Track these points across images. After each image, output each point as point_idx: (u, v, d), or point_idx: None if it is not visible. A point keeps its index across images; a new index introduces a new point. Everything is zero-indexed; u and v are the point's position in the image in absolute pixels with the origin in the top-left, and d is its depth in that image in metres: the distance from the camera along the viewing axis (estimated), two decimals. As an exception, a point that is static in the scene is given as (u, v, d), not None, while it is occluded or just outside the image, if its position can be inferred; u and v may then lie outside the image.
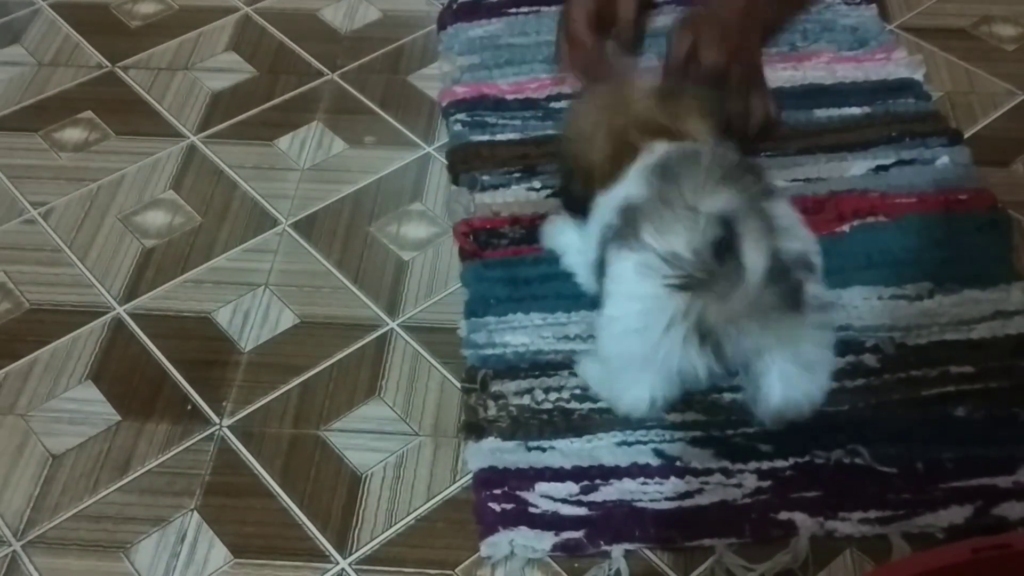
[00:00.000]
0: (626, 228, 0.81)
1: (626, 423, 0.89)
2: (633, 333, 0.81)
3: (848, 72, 1.19)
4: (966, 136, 1.13)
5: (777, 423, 0.86)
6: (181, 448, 0.90)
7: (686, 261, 0.76)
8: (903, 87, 1.17)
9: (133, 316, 1.00)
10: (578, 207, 0.92)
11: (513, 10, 1.28)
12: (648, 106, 0.90)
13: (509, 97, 1.17)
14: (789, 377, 0.83)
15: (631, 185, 0.84)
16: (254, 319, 0.99)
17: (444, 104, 1.18)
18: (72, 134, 1.18)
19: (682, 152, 0.84)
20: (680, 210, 0.78)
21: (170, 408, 0.93)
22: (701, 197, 0.78)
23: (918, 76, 1.19)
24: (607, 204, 0.86)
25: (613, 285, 0.83)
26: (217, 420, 0.92)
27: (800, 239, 0.80)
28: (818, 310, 0.81)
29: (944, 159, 1.09)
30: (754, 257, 0.75)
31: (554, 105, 1.16)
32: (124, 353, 0.97)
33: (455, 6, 1.30)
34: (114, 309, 1.01)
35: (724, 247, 0.75)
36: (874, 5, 1.28)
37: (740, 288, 0.75)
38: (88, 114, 1.20)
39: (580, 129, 0.92)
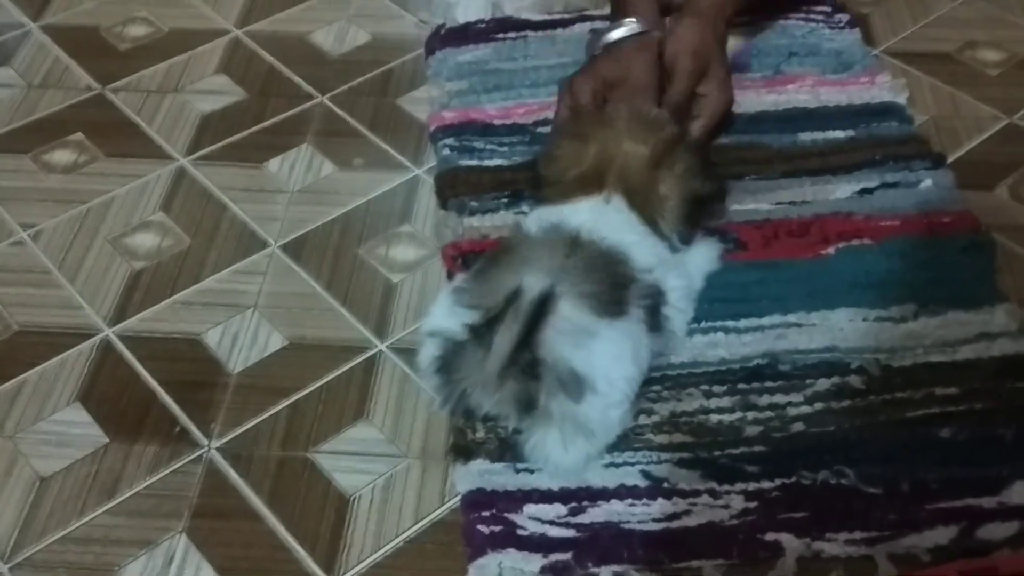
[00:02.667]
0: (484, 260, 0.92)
1: (614, 444, 0.89)
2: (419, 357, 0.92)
3: (832, 96, 1.20)
4: (951, 160, 1.14)
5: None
6: (169, 470, 0.90)
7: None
8: (887, 111, 1.18)
9: (122, 338, 1.00)
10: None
11: (500, 36, 1.29)
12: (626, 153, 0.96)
13: (496, 122, 1.18)
14: (537, 451, 0.87)
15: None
16: (243, 341, 1.00)
17: (432, 129, 1.19)
18: (62, 156, 1.18)
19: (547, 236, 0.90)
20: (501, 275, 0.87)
21: (158, 430, 0.93)
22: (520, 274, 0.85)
23: (902, 100, 1.20)
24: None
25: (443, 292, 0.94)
26: (205, 442, 0.92)
27: (590, 359, 0.84)
28: (571, 422, 0.85)
29: (928, 182, 1.10)
30: (499, 347, 0.82)
31: (541, 130, 1.16)
32: (112, 375, 0.97)
33: (443, 31, 1.31)
34: (102, 331, 1.01)
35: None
36: (858, 29, 1.29)
37: (487, 364, 0.83)
38: (78, 136, 1.20)
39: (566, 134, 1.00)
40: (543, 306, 0.83)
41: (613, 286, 0.87)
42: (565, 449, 0.86)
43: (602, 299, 0.86)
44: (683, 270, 0.97)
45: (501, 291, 0.85)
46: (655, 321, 0.90)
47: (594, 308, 0.85)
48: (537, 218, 0.94)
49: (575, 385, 0.83)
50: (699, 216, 0.99)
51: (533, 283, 0.84)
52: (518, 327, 0.82)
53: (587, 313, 0.84)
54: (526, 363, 0.83)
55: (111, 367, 0.98)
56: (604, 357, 0.85)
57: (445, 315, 0.88)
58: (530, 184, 1.04)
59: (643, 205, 0.95)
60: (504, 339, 0.82)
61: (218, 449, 0.92)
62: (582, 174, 0.96)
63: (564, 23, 1.31)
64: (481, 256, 0.96)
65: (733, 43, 1.22)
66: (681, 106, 1.07)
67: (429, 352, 0.89)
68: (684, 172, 0.97)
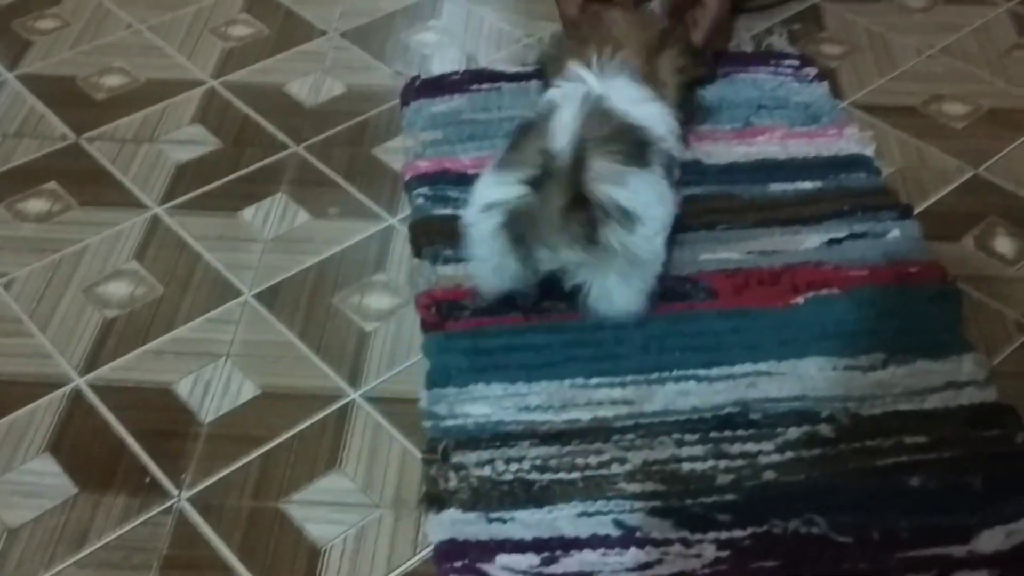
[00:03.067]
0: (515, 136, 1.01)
1: (586, 494, 0.89)
2: (476, 236, 0.98)
3: (801, 148, 1.22)
4: (917, 211, 1.16)
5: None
6: (139, 521, 0.89)
7: (518, 180, 0.93)
8: (855, 163, 1.20)
9: (93, 387, 1.00)
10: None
11: (475, 87, 1.31)
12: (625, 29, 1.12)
13: (471, 172, 1.19)
14: (602, 296, 0.98)
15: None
16: (215, 390, 0.99)
17: (407, 178, 1.19)
18: (36, 205, 1.18)
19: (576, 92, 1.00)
20: (533, 143, 0.95)
21: (128, 480, 0.92)
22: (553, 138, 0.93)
23: (869, 152, 1.22)
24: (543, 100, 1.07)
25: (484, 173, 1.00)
26: (176, 492, 0.92)
27: (633, 195, 0.94)
28: (629, 262, 0.96)
29: (895, 233, 1.11)
30: (554, 192, 0.92)
31: (515, 178, 1.18)
32: (83, 425, 0.97)
33: (418, 83, 1.32)
34: (74, 380, 1.00)
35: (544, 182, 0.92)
36: (826, 83, 1.31)
37: (547, 213, 0.92)
38: (52, 185, 1.20)
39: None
40: (580, 159, 0.92)
41: (636, 144, 0.97)
42: (626, 285, 0.98)
43: (629, 153, 0.95)
44: None
45: (538, 155, 0.93)
46: (671, 181, 1.03)
47: (623, 160, 0.95)
48: (554, 94, 1.04)
49: (626, 217, 0.93)
50: (692, 102, 1.14)
51: (565, 143, 0.92)
52: (565, 173, 0.91)
53: (619, 163, 0.94)
54: (581, 203, 0.92)
55: (81, 417, 0.97)
56: (643, 194, 0.95)
57: (493, 188, 0.95)
58: (542, 83, 1.17)
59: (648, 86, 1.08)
60: (557, 184, 0.91)
61: (188, 500, 0.91)
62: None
63: (538, 75, 1.33)
64: (513, 130, 1.04)
65: None
66: (680, 6, 1.22)
67: (489, 224, 0.95)
68: (678, 61, 1.13)
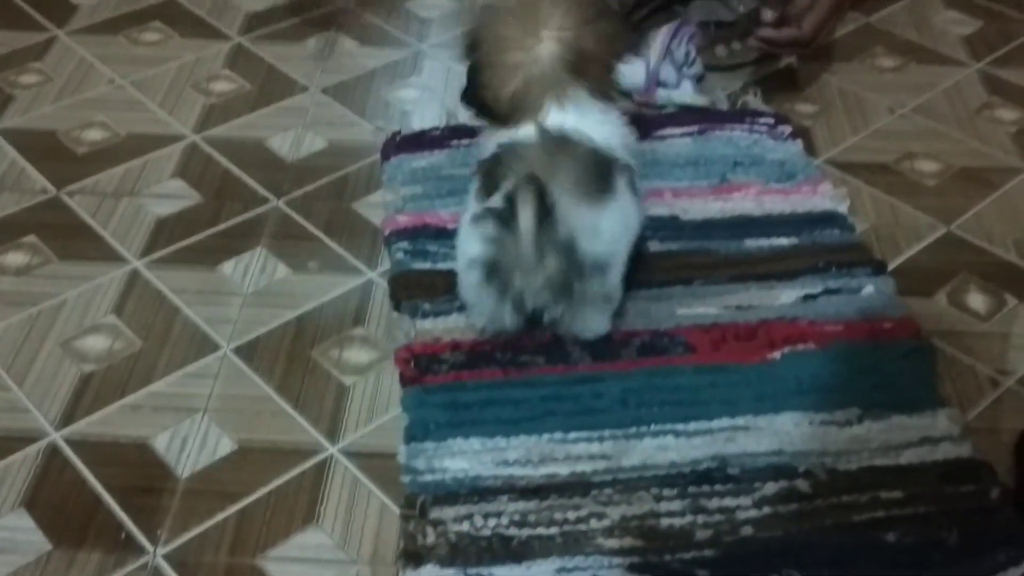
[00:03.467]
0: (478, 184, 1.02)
1: (565, 549, 0.89)
2: (466, 287, 1.04)
3: (776, 204, 1.23)
4: (891, 267, 1.17)
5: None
6: (113, 578, 0.89)
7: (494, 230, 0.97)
8: (829, 219, 1.22)
9: (69, 442, 0.99)
10: (477, 107, 1.10)
11: (454, 142, 1.32)
12: (557, 53, 1.04)
13: (450, 227, 1.19)
14: (576, 322, 1.04)
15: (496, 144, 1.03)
16: (192, 445, 0.99)
17: (387, 233, 1.20)
18: (14, 259, 1.18)
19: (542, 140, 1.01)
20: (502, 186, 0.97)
21: (103, 536, 0.91)
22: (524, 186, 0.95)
23: (843, 209, 1.24)
24: (487, 147, 1.05)
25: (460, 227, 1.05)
26: (151, 549, 0.91)
27: (603, 242, 0.99)
28: (600, 298, 1.04)
29: (869, 289, 1.13)
30: (525, 230, 0.95)
31: (494, 234, 1.19)
32: (58, 480, 0.96)
33: (399, 138, 1.34)
34: (49, 435, 1.00)
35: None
36: (800, 140, 1.34)
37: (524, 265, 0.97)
38: (31, 239, 1.20)
39: (491, 45, 1.06)
40: (543, 197, 0.94)
41: (598, 172, 1.00)
42: (599, 313, 1.05)
43: (592, 186, 0.98)
44: None
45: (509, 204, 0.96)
46: (635, 188, 1.05)
47: (589, 196, 0.98)
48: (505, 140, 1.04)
49: (598, 268, 1.00)
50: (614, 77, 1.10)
51: (527, 179, 0.95)
52: (530, 210, 0.94)
53: (585, 204, 0.97)
54: (555, 244, 0.96)
55: (57, 472, 0.97)
56: (611, 235, 1.00)
57: (474, 244, 1.00)
58: (479, 110, 1.11)
59: (592, 86, 1.06)
60: (525, 221, 0.94)
61: (164, 556, 0.90)
62: (516, 94, 1.04)
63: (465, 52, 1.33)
64: (479, 172, 1.05)
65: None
66: None
67: (474, 278, 1.01)
68: (607, 32, 1.07)
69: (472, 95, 1.11)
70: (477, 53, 1.07)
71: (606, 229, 0.99)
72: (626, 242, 1.03)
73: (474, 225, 1.00)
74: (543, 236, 0.95)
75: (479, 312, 1.05)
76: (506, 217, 0.95)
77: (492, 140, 1.06)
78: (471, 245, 1.00)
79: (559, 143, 1.00)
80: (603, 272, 1.00)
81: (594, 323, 1.06)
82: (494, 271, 0.99)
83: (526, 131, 1.03)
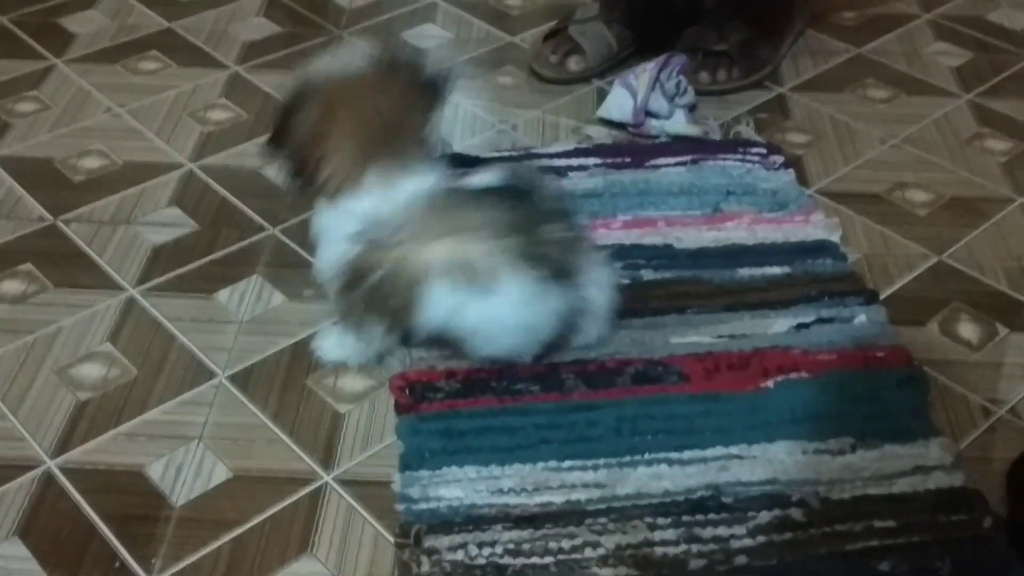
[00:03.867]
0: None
1: (559, 578, 0.89)
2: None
3: (769, 233, 1.24)
4: (883, 296, 1.18)
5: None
6: (107, 607, 0.89)
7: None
8: (821, 248, 1.23)
9: (64, 470, 0.99)
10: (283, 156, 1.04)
11: (449, 173, 1.33)
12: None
13: (446, 254, 1.20)
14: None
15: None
16: (187, 473, 0.99)
17: (382, 260, 1.21)
18: (10, 286, 1.18)
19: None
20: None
21: (98, 565, 0.91)
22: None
23: (835, 238, 1.24)
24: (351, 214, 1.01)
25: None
26: (146, 577, 0.91)
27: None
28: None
29: (862, 318, 1.13)
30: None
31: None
32: (53, 508, 0.96)
33: (394, 166, 1.34)
34: (44, 463, 1.00)
35: None
36: (792, 170, 1.35)
37: None
38: (27, 266, 1.21)
39: (311, 115, 1.00)
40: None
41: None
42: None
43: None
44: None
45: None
46: None
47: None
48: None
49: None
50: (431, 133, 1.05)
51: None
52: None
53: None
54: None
55: (52, 500, 0.96)
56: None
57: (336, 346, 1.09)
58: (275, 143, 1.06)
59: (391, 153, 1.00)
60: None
61: (158, 584, 0.90)
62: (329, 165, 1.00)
63: (511, 160, 1.35)
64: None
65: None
66: None
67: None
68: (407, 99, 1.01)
69: (280, 142, 1.04)
70: (301, 106, 1.01)
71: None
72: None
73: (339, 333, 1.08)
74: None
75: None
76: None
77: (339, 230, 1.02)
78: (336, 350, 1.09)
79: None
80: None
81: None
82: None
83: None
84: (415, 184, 1.01)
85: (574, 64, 1.52)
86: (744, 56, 1.50)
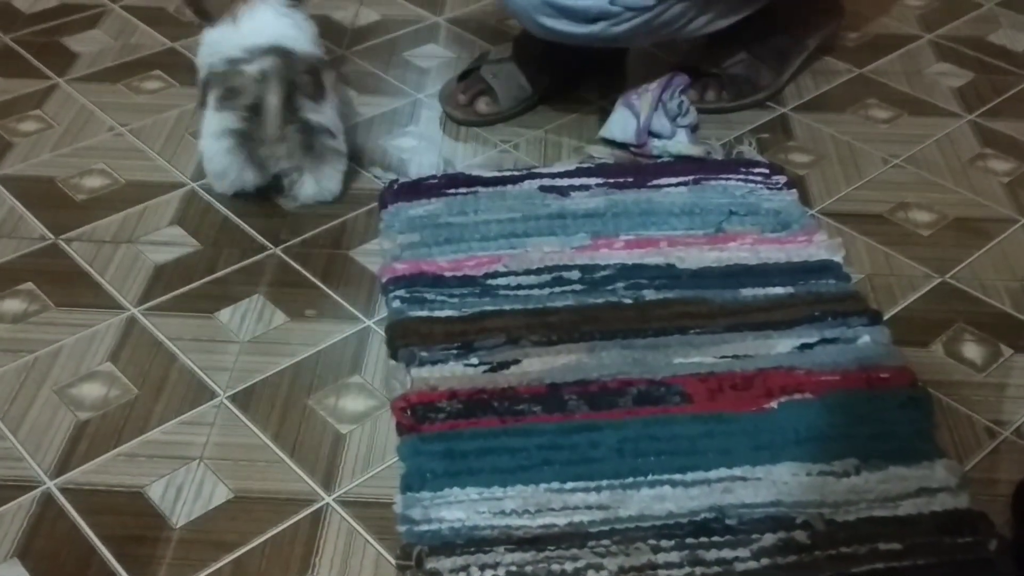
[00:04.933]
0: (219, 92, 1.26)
1: (561, 601, 0.89)
2: (210, 139, 1.29)
3: (772, 253, 1.24)
4: (887, 317, 1.18)
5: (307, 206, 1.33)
6: (106, 629, 0.88)
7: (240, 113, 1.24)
8: (824, 268, 1.22)
9: (63, 491, 0.98)
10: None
11: (452, 191, 1.33)
12: None
13: (447, 274, 1.20)
14: (312, 188, 1.32)
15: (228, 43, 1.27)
16: (187, 494, 0.98)
17: (384, 280, 1.21)
18: (11, 305, 1.18)
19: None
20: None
21: (97, 587, 0.91)
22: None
23: (838, 258, 1.24)
24: (216, 45, 1.29)
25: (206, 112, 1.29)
26: (145, 599, 0.90)
27: (325, 117, 1.29)
28: (332, 153, 1.31)
29: (865, 338, 1.13)
30: (270, 116, 1.23)
31: (491, 282, 1.19)
32: (52, 529, 0.95)
33: (396, 186, 1.34)
34: (44, 484, 0.99)
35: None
36: (795, 190, 1.35)
37: (270, 135, 1.25)
38: (28, 285, 1.21)
39: None
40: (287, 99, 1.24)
41: (312, 78, 1.27)
42: (335, 172, 1.33)
43: (309, 88, 1.26)
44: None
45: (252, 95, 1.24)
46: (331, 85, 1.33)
47: (310, 95, 1.26)
48: (221, 45, 1.28)
49: (328, 133, 1.29)
50: None
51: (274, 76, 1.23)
52: (275, 100, 1.23)
53: (309, 100, 1.26)
54: (297, 125, 1.25)
55: (51, 521, 0.96)
56: (331, 117, 1.30)
57: (224, 120, 1.26)
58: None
59: None
60: (271, 109, 1.23)
61: (158, 606, 0.90)
62: None
63: (514, 179, 1.35)
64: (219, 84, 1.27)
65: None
66: None
67: (225, 144, 1.27)
68: None
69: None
70: None
71: (328, 115, 1.28)
72: (341, 126, 1.32)
73: (221, 108, 1.25)
74: (284, 116, 1.23)
75: (225, 177, 1.30)
76: (254, 105, 1.22)
77: (212, 45, 1.30)
78: (222, 120, 1.25)
79: (276, 54, 1.24)
80: (332, 135, 1.29)
81: (330, 181, 1.32)
82: (242, 142, 1.25)
83: (236, 38, 1.26)
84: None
85: (483, 106, 1.48)
86: (735, 79, 1.50)
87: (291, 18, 1.30)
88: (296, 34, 1.29)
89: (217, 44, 1.29)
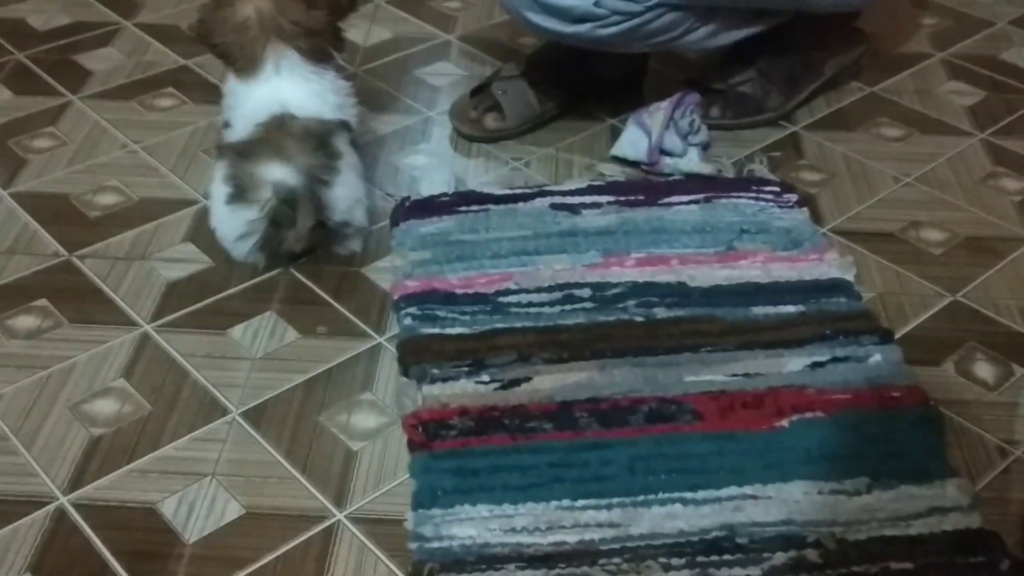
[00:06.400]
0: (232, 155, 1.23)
1: (572, 619, 0.88)
2: (231, 244, 1.25)
3: (783, 271, 1.24)
4: (898, 335, 1.17)
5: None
6: (118, 645, 0.88)
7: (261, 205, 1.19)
8: (836, 287, 1.22)
9: (76, 507, 0.99)
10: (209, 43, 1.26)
11: (463, 208, 1.33)
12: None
13: (459, 291, 1.21)
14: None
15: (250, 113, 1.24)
16: (199, 510, 0.99)
17: (395, 297, 1.21)
18: (25, 322, 1.19)
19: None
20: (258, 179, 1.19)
21: (109, 603, 0.91)
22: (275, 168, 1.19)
23: (849, 277, 1.24)
24: (242, 106, 1.26)
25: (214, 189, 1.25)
26: (157, 615, 0.90)
27: (343, 198, 1.23)
28: (352, 238, 1.29)
29: (877, 357, 1.13)
30: (303, 219, 1.19)
31: (503, 300, 1.19)
32: (65, 545, 0.95)
33: (408, 204, 1.35)
34: (57, 499, 1.00)
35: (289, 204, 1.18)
36: (806, 209, 1.35)
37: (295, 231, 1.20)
38: (42, 302, 1.21)
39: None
40: (310, 189, 1.19)
41: (321, 144, 1.21)
42: (356, 242, 1.30)
43: (320, 163, 1.20)
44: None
45: (265, 186, 1.18)
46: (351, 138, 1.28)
47: (321, 172, 1.20)
48: (242, 103, 1.25)
49: (347, 224, 1.26)
50: (339, 36, 1.31)
51: (283, 177, 1.19)
52: (305, 223, 1.19)
53: (326, 187, 1.20)
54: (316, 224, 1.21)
55: (64, 536, 0.96)
56: (349, 195, 1.24)
57: (240, 225, 1.21)
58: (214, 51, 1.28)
59: (310, 49, 1.25)
60: (299, 231, 1.20)
61: (170, 623, 0.90)
62: (244, 42, 1.23)
63: (525, 197, 1.36)
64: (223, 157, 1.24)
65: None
66: None
67: (245, 248, 1.23)
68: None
69: (207, 31, 1.25)
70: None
71: (344, 194, 1.22)
72: (362, 195, 1.28)
73: (235, 209, 1.21)
74: (304, 227, 1.19)
75: (235, 251, 1.25)
76: (277, 222, 1.18)
77: (235, 97, 1.26)
78: (237, 225, 1.21)
79: (285, 124, 1.21)
80: (349, 224, 1.25)
81: (354, 245, 1.29)
82: (260, 245, 1.21)
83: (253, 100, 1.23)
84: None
85: (491, 121, 1.49)
86: (741, 98, 1.50)
87: (317, 83, 1.25)
88: (314, 103, 1.24)
89: (240, 100, 1.26)
